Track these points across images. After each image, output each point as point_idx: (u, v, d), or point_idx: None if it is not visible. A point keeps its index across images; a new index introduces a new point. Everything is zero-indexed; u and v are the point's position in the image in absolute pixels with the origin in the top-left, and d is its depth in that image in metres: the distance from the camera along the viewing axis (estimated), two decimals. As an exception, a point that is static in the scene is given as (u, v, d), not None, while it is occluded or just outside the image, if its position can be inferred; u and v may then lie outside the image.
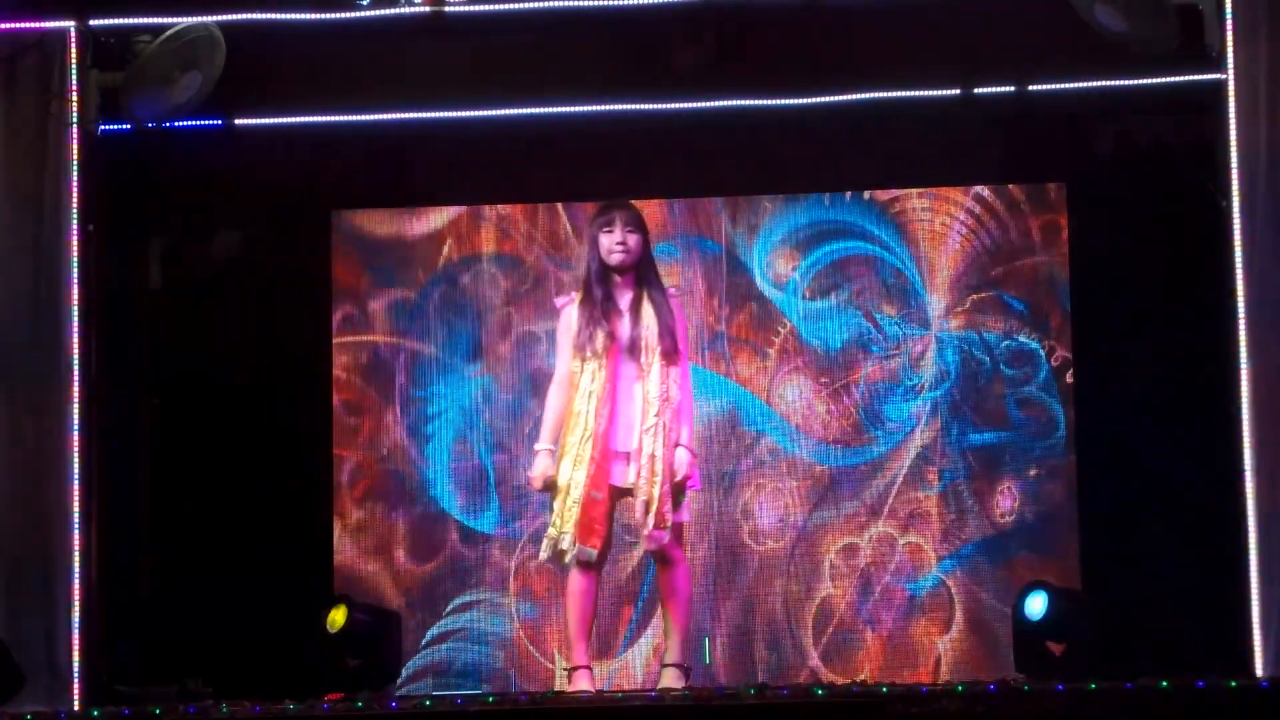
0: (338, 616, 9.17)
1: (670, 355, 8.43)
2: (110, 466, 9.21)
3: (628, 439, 8.43)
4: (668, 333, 8.44)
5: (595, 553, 8.41)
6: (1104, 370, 9.58)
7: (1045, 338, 9.70)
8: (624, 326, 8.46)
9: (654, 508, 8.35)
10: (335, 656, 9.13)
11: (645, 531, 8.38)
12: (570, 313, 8.54)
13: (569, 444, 8.42)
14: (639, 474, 8.38)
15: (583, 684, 8.45)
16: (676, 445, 8.41)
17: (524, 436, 9.78)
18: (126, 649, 9.39)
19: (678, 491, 8.43)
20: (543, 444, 8.51)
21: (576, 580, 8.49)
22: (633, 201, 8.73)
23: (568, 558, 8.43)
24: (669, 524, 8.38)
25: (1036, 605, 9.02)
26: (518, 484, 9.76)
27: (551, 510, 8.44)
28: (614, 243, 8.50)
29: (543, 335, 9.83)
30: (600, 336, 8.45)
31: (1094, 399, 9.59)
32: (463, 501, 9.85)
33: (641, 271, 8.53)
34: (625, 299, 8.49)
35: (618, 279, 8.51)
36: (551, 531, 8.43)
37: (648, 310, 8.46)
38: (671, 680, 8.47)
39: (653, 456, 8.37)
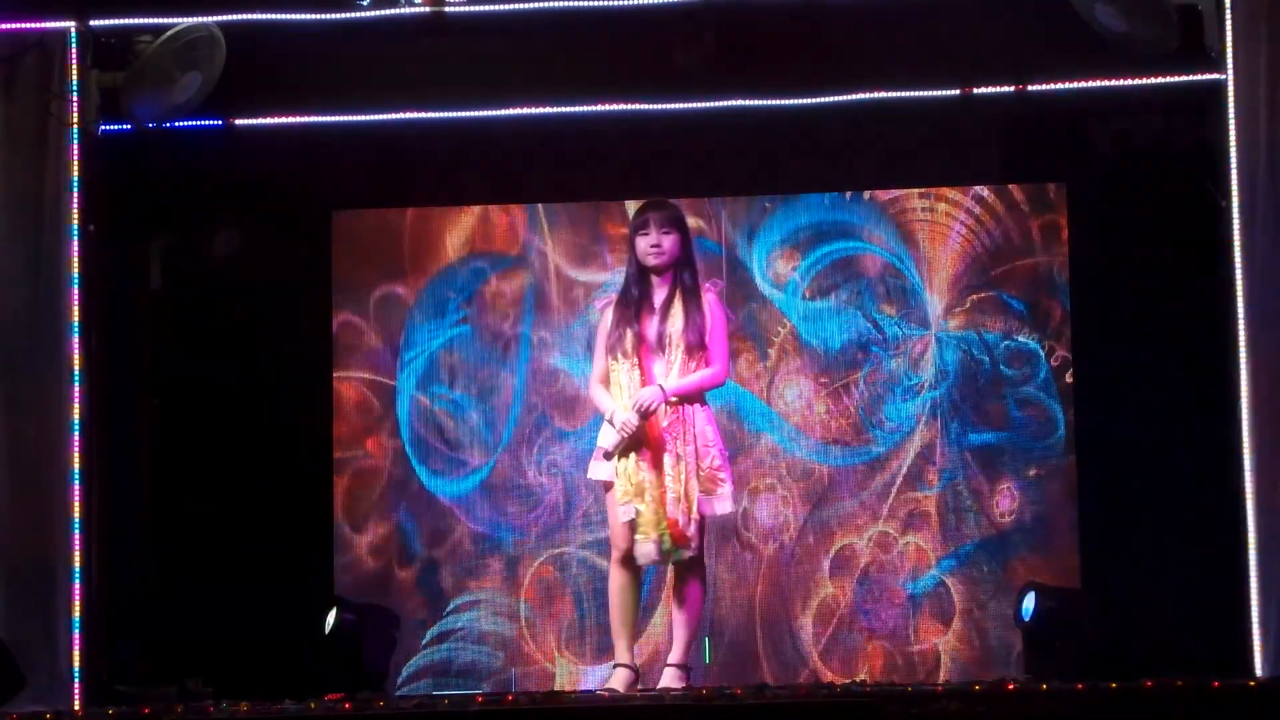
0: (331, 617, 9.19)
1: (693, 351, 8.42)
2: (110, 466, 9.21)
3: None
4: (693, 329, 8.42)
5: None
6: (1104, 370, 9.58)
7: (1045, 338, 9.69)
8: (653, 324, 8.46)
9: (682, 505, 8.33)
10: (328, 656, 9.14)
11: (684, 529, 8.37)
12: (607, 312, 8.56)
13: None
14: (673, 469, 8.38)
15: (619, 683, 8.41)
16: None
17: (526, 436, 9.79)
18: (126, 649, 9.38)
19: (707, 483, 8.41)
20: (609, 409, 8.41)
21: (619, 577, 8.48)
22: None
23: (672, 557, 8.40)
24: (696, 517, 8.35)
25: (1028, 606, 9.03)
26: (520, 484, 9.77)
27: (644, 516, 8.38)
28: (649, 245, 8.50)
29: (546, 335, 9.84)
30: (629, 336, 8.45)
31: (1094, 399, 9.59)
32: (464, 502, 9.84)
33: (679, 270, 8.52)
34: (660, 297, 8.50)
35: (655, 279, 8.51)
36: (653, 535, 8.36)
37: (677, 307, 8.45)
38: (671, 680, 8.47)
39: (677, 456, 8.37)
